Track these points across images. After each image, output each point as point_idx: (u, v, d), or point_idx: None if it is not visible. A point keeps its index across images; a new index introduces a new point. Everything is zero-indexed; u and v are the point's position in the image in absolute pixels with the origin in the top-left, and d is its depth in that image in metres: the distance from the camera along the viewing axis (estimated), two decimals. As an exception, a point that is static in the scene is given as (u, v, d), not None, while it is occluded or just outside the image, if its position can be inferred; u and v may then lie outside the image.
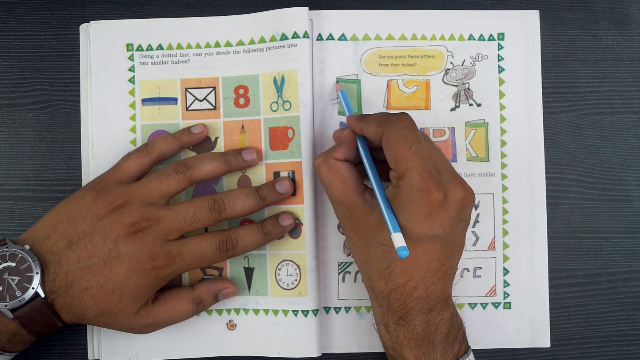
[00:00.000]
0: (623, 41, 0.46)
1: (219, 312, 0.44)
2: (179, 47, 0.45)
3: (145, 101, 0.45)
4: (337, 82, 0.44)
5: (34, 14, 0.46)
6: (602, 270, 0.46)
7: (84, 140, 0.45)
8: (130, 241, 0.37)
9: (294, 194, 0.43)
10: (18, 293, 0.36)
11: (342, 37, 0.45)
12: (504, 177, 0.45)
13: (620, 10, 0.47)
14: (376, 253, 0.37)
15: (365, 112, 0.45)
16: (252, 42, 0.44)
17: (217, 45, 0.44)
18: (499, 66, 0.45)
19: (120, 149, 0.44)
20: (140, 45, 0.45)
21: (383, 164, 0.38)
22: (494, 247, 0.45)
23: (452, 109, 0.45)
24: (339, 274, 0.44)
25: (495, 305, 0.45)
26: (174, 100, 0.45)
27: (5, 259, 0.37)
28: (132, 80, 0.45)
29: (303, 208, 0.43)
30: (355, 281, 0.45)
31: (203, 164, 0.41)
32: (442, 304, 0.37)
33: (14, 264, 0.36)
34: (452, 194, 0.35)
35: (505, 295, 0.45)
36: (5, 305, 0.36)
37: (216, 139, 0.44)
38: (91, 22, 0.45)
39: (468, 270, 0.45)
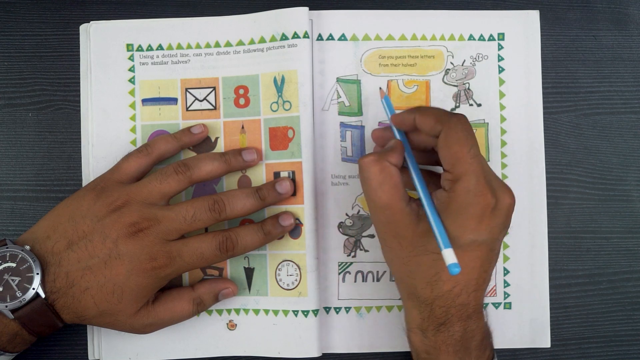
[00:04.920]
0: (623, 41, 0.46)
1: (219, 312, 0.44)
2: (179, 47, 0.45)
3: (145, 101, 0.45)
4: (380, 88, 0.44)
5: (34, 14, 0.46)
6: (602, 270, 0.46)
7: (84, 140, 0.45)
8: (131, 241, 0.37)
9: (294, 194, 0.43)
10: (18, 293, 0.36)
11: (342, 37, 0.45)
12: (504, 177, 0.45)
13: (620, 10, 0.47)
14: (424, 261, 0.36)
15: (365, 112, 0.45)
16: (252, 42, 0.44)
17: (217, 45, 0.44)
18: (499, 66, 0.45)
19: (120, 149, 0.44)
20: (140, 46, 0.45)
21: (426, 173, 0.38)
22: (494, 247, 0.45)
23: (452, 109, 0.45)
24: (339, 274, 0.44)
25: (496, 305, 0.45)
26: (174, 101, 0.45)
27: (5, 260, 0.37)
28: (132, 81, 0.45)
29: (303, 208, 0.43)
30: (355, 281, 0.45)
31: (203, 164, 0.41)
32: (479, 311, 0.37)
33: (14, 265, 0.36)
34: (502, 200, 0.34)
35: (506, 296, 0.45)
36: (6, 306, 0.36)
37: (216, 139, 0.44)
38: (91, 22, 0.45)
39: (468, 270, 0.45)
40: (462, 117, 0.36)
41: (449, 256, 0.33)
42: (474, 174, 0.34)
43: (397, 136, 0.39)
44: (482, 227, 0.34)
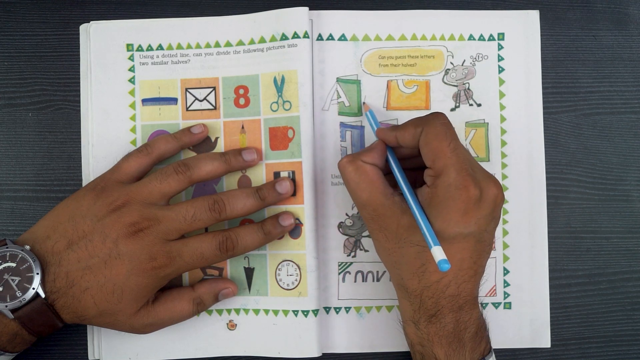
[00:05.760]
0: (623, 41, 0.46)
1: (219, 312, 0.44)
2: (179, 47, 0.45)
3: (145, 101, 0.45)
4: (364, 103, 0.44)
5: (34, 14, 0.46)
6: (602, 270, 0.46)
7: (84, 140, 0.45)
8: (131, 241, 0.37)
9: (294, 194, 0.43)
10: (18, 293, 0.36)
11: (342, 38, 0.45)
12: (504, 177, 0.45)
13: (620, 10, 0.47)
14: (409, 253, 0.37)
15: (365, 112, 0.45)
16: (252, 42, 0.44)
17: (217, 45, 0.44)
18: (499, 66, 0.45)
19: (121, 149, 0.44)
20: (140, 46, 0.45)
21: (411, 171, 0.39)
22: (494, 247, 0.45)
23: (452, 109, 0.45)
24: (339, 274, 0.44)
25: (496, 305, 0.45)
26: (174, 101, 0.45)
27: (5, 260, 0.37)
28: (132, 81, 0.45)
29: (303, 208, 0.43)
30: (355, 281, 0.45)
31: (203, 164, 0.41)
32: (472, 303, 0.38)
33: (14, 265, 0.36)
34: (486, 191, 0.35)
35: (506, 296, 0.45)
36: (6, 306, 0.36)
37: (216, 139, 0.44)
38: (91, 22, 0.45)
39: (468, 270, 0.45)
40: (440, 114, 0.37)
41: (438, 253, 0.33)
42: (453, 168, 0.35)
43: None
44: (467, 219, 0.35)
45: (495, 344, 0.44)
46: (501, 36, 0.45)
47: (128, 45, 0.45)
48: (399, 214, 0.37)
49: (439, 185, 0.35)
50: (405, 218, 0.37)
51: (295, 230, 0.43)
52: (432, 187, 0.36)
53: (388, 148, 0.40)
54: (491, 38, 0.45)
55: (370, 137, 0.45)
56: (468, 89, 0.45)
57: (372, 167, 0.38)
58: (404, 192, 0.37)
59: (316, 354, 0.43)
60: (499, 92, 0.45)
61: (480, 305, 0.39)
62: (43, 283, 0.37)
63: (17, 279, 0.36)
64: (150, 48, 0.45)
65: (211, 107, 0.44)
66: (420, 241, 0.36)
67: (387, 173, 0.40)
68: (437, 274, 0.36)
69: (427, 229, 0.35)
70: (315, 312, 0.43)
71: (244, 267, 0.44)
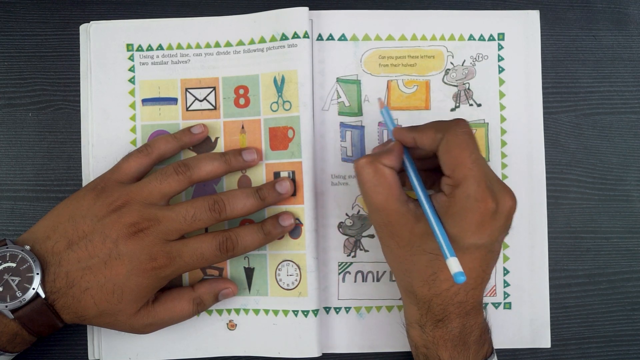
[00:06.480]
0: (623, 41, 0.46)
1: (219, 312, 0.44)
2: (179, 47, 0.45)
3: (145, 101, 0.45)
4: (379, 99, 0.43)
5: (34, 14, 0.46)
6: (602, 270, 0.46)
7: (84, 140, 0.45)
8: (131, 241, 0.37)
9: (294, 194, 0.43)
10: (18, 293, 0.36)
11: (342, 38, 0.45)
12: (504, 177, 0.45)
13: (620, 10, 0.47)
14: (421, 261, 0.36)
15: (365, 112, 0.45)
16: (252, 42, 0.44)
17: (217, 45, 0.44)
18: (499, 66, 0.45)
19: (121, 149, 0.44)
20: (140, 46, 0.45)
21: (425, 173, 0.38)
22: (494, 247, 0.45)
23: (452, 109, 0.45)
24: (339, 274, 0.44)
25: (496, 305, 0.45)
26: (174, 101, 0.45)
27: (5, 260, 0.37)
28: (132, 81, 0.45)
29: (303, 208, 0.43)
30: (355, 281, 0.45)
31: (203, 164, 0.41)
32: (477, 308, 0.37)
33: (14, 265, 0.36)
34: (502, 204, 0.34)
35: (506, 296, 0.45)
36: (6, 306, 0.36)
37: (216, 139, 0.44)
38: (91, 22, 0.45)
39: (468, 270, 0.45)
40: (462, 122, 0.36)
41: (454, 265, 0.33)
42: (474, 179, 0.34)
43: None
44: (482, 231, 0.34)
45: (496, 344, 0.44)
46: (501, 36, 0.45)
47: (128, 45, 0.45)
48: (412, 222, 0.36)
49: (457, 196, 0.34)
50: (419, 226, 0.36)
51: (295, 230, 0.43)
52: (450, 196, 0.35)
53: (405, 151, 0.38)
54: (491, 38, 0.45)
55: (370, 137, 0.45)
56: (468, 89, 0.45)
57: (391, 171, 0.36)
58: (420, 199, 0.36)
59: (316, 354, 0.43)
60: (499, 92, 0.45)
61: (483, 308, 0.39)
62: (43, 283, 0.37)
63: (17, 279, 0.36)
64: (150, 48, 0.45)
65: (211, 107, 0.44)
66: (433, 249, 0.35)
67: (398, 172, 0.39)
68: (448, 282, 0.36)
69: (443, 240, 0.34)
70: (315, 312, 0.43)
71: (244, 267, 0.44)
